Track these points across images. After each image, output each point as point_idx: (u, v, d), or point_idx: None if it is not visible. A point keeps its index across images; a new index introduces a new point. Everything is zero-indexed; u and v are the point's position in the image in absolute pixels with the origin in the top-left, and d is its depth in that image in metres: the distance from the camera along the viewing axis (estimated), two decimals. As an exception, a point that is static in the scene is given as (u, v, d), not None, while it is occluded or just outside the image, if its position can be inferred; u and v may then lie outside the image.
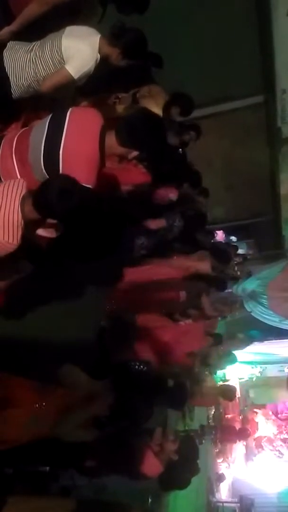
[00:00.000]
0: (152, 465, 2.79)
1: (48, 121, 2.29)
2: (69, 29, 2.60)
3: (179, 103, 3.49)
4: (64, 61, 2.53)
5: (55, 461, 2.69)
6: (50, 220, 2.10)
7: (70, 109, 2.31)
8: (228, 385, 7.29)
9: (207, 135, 5.38)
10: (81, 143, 2.16)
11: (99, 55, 2.61)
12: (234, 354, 5.68)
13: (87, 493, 2.92)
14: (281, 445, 8.70)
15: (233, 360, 5.65)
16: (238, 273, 6.66)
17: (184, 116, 3.57)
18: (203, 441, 7.05)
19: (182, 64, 4.43)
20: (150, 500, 4.55)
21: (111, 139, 2.24)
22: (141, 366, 3.38)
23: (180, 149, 4.16)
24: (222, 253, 4.63)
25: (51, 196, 1.94)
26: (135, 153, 2.33)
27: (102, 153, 2.22)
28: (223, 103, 5.11)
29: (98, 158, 2.21)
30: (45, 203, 1.96)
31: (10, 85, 2.60)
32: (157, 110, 3.44)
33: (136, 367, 3.34)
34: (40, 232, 2.17)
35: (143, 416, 2.76)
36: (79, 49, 2.55)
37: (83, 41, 2.58)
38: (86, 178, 2.13)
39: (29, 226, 2.01)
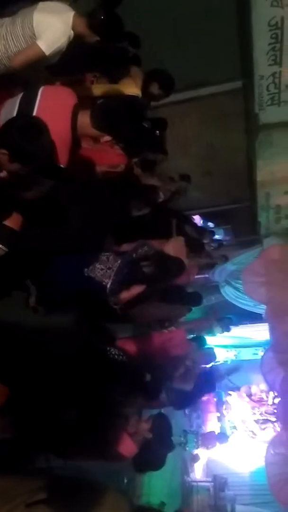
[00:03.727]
0: (127, 447, 2.84)
1: (19, 98, 2.25)
2: (42, 5, 2.54)
3: (157, 79, 3.47)
4: (35, 37, 2.47)
5: (30, 443, 2.70)
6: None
7: (42, 87, 2.26)
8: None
9: (185, 120, 5.39)
10: (52, 121, 2.13)
11: (72, 32, 2.56)
12: (213, 352, 5.79)
13: (62, 474, 2.95)
14: (254, 426, 8.95)
15: (213, 357, 5.78)
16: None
17: (164, 90, 3.53)
18: (187, 448, 7.36)
19: (160, 48, 4.38)
20: (125, 480, 4.64)
21: (84, 119, 2.21)
22: (120, 356, 3.41)
23: (157, 132, 4.13)
24: (195, 243, 4.72)
25: (13, 132, 1.90)
26: (107, 138, 2.31)
27: (74, 133, 2.19)
28: (201, 88, 5.07)
29: (70, 137, 2.18)
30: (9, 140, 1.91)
31: None
32: (136, 90, 3.41)
33: (116, 356, 3.37)
34: None
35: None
36: (50, 24, 2.49)
37: (55, 16, 2.52)
38: (57, 157, 2.11)
39: None
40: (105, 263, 2.82)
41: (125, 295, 2.81)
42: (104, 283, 2.77)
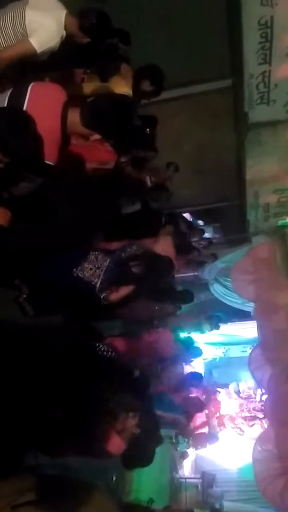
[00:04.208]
0: (115, 444, 2.83)
1: (8, 94, 2.23)
2: (33, 0, 2.51)
3: (148, 75, 3.45)
4: (27, 34, 2.45)
5: (17, 441, 2.69)
6: None
7: (32, 83, 2.25)
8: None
9: (175, 118, 5.39)
10: (41, 118, 2.11)
11: (64, 32, 2.55)
12: (199, 348, 5.85)
13: (50, 472, 2.95)
14: (242, 423, 9.00)
15: (199, 353, 5.83)
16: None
17: (155, 85, 3.52)
18: (177, 448, 7.42)
19: (150, 46, 4.37)
20: (114, 478, 4.65)
21: (74, 116, 2.20)
22: (109, 352, 3.40)
23: (148, 130, 4.13)
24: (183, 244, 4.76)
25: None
26: (97, 136, 2.31)
27: (64, 130, 2.17)
28: (191, 86, 5.08)
29: (60, 134, 2.17)
30: None
31: None
32: (127, 89, 3.40)
33: (105, 352, 3.36)
34: None
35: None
36: (44, 24, 2.47)
37: (48, 15, 2.49)
38: (46, 154, 2.09)
39: None
40: (93, 262, 2.80)
41: (114, 296, 2.81)
42: (93, 283, 2.75)
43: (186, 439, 7.69)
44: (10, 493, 1.53)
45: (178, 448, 7.77)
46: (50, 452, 2.85)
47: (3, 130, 1.85)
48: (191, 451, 8.20)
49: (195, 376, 5.69)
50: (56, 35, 2.51)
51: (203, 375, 6.32)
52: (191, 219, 7.07)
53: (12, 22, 2.45)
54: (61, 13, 2.53)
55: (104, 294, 2.82)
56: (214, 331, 6.86)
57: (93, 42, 2.66)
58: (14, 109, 2.05)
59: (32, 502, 1.51)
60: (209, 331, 6.56)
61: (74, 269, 2.78)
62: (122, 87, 3.42)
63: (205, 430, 8.58)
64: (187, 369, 6.15)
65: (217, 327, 6.66)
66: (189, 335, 6.19)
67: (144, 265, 2.81)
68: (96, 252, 2.89)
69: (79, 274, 2.76)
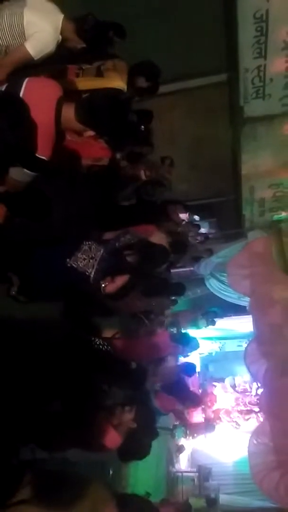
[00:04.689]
0: (111, 438, 2.84)
1: (3, 89, 2.22)
2: (30, 1, 2.47)
3: (143, 71, 3.44)
4: (25, 36, 2.42)
5: (14, 435, 2.70)
6: None
7: (26, 78, 2.24)
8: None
9: (171, 112, 5.38)
10: (36, 113, 2.10)
11: (60, 37, 2.54)
12: (196, 340, 5.86)
13: (47, 467, 2.96)
14: (238, 416, 9.08)
15: (196, 346, 5.84)
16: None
17: (151, 81, 3.50)
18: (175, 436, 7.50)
19: (146, 40, 4.35)
20: (111, 472, 4.66)
21: (68, 112, 2.19)
22: (105, 346, 3.41)
23: (142, 126, 4.12)
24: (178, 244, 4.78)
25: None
26: (91, 133, 2.30)
27: (58, 125, 2.17)
28: (186, 80, 5.07)
29: (54, 129, 2.16)
30: None
31: None
32: (122, 84, 3.38)
33: (101, 346, 3.37)
34: None
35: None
36: (41, 30, 2.45)
37: (46, 19, 2.48)
38: (39, 149, 2.08)
39: None
40: (87, 252, 2.78)
41: (110, 287, 2.80)
42: (87, 273, 2.74)
43: (183, 428, 7.76)
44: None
45: (176, 437, 7.82)
46: (48, 446, 2.86)
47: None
48: (187, 444, 8.26)
49: (189, 367, 5.70)
50: (52, 40, 2.51)
51: (196, 366, 6.32)
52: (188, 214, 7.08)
53: (10, 22, 2.41)
54: (59, 17, 2.52)
55: (102, 286, 2.80)
56: (210, 326, 6.90)
57: (88, 47, 2.65)
58: (8, 93, 2.04)
59: (25, 500, 1.50)
60: (205, 327, 6.59)
61: (68, 260, 2.75)
62: (116, 81, 3.40)
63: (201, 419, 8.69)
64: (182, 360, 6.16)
65: (213, 323, 6.69)
66: (185, 331, 6.22)
67: (139, 254, 2.79)
68: (90, 242, 2.86)
69: (73, 265, 2.74)
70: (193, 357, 8.53)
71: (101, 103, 2.30)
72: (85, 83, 3.31)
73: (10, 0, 2.55)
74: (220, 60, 4.85)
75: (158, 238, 4.04)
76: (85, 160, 3.14)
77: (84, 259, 2.76)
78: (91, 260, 2.76)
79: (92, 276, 2.73)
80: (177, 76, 4.94)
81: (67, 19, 2.55)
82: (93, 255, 2.78)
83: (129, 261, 2.80)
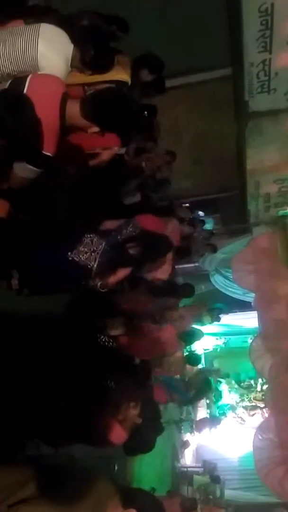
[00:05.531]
0: (117, 434, 2.86)
1: (7, 85, 2.21)
2: (45, 31, 2.39)
3: (146, 64, 3.41)
4: (38, 68, 2.37)
5: (21, 431, 2.71)
6: None
7: (30, 74, 2.23)
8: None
9: (176, 107, 5.35)
10: (40, 108, 2.09)
11: (70, 68, 2.52)
12: (200, 330, 5.86)
13: (53, 462, 2.98)
14: (243, 412, 9.09)
15: (200, 335, 5.84)
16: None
17: (155, 73, 3.47)
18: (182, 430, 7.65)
19: (149, 35, 4.32)
20: (116, 467, 4.69)
21: (73, 108, 2.19)
22: (110, 343, 3.41)
23: (146, 112, 4.07)
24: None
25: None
26: (95, 129, 2.29)
27: (62, 121, 2.16)
28: (192, 74, 5.02)
29: (58, 125, 2.15)
30: None
31: None
32: (126, 77, 3.36)
33: (106, 343, 3.37)
34: None
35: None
36: (55, 65, 2.39)
37: (60, 55, 2.41)
38: (44, 145, 2.08)
39: None
40: (89, 245, 2.75)
41: (112, 279, 2.78)
42: (89, 266, 2.72)
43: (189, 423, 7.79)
44: (11, 483, 1.53)
45: (182, 431, 7.86)
46: (54, 441, 2.87)
47: (1, 110, 1.84)
48: (192, 439, 8.28)
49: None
50: (64, 74, 2.46)
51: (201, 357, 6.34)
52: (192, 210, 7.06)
53: (23, 52, 2.31)
54: (69, 48, 2.46)
55: (101, 281, 2.79)
56: (215, 322, 6.88)
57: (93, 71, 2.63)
58: (13, 90, 2.04)
59: (28, 499, 1.50)
60: (209, 323, 6.58)
61: (69, 253, 2.73)
62: (120, 74, 3.38)
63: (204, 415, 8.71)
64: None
65: (218, 319, 6.67)
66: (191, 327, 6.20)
67: (141, 246, 2.77)
68: (91, 235, 2.82)
69: (75, 258, 2.72)
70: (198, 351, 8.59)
71: (107, 98, 2.29)
72: (88, 77, 3.29)
73: (22, 25, 2.51)
74: (224, 54, 4.81)
75: (171, 225, 4.02)
76: (94, 149, 3.08)
77: (86, 252, 2.73)
78: (93, 254, 2.74)
79: (94, 269, 2.71)
80: (181, 70, 4.90)
81: (76, 49, 2.50)
82: (95, 248, 2.75)
83: (131, 253, 2.77)
